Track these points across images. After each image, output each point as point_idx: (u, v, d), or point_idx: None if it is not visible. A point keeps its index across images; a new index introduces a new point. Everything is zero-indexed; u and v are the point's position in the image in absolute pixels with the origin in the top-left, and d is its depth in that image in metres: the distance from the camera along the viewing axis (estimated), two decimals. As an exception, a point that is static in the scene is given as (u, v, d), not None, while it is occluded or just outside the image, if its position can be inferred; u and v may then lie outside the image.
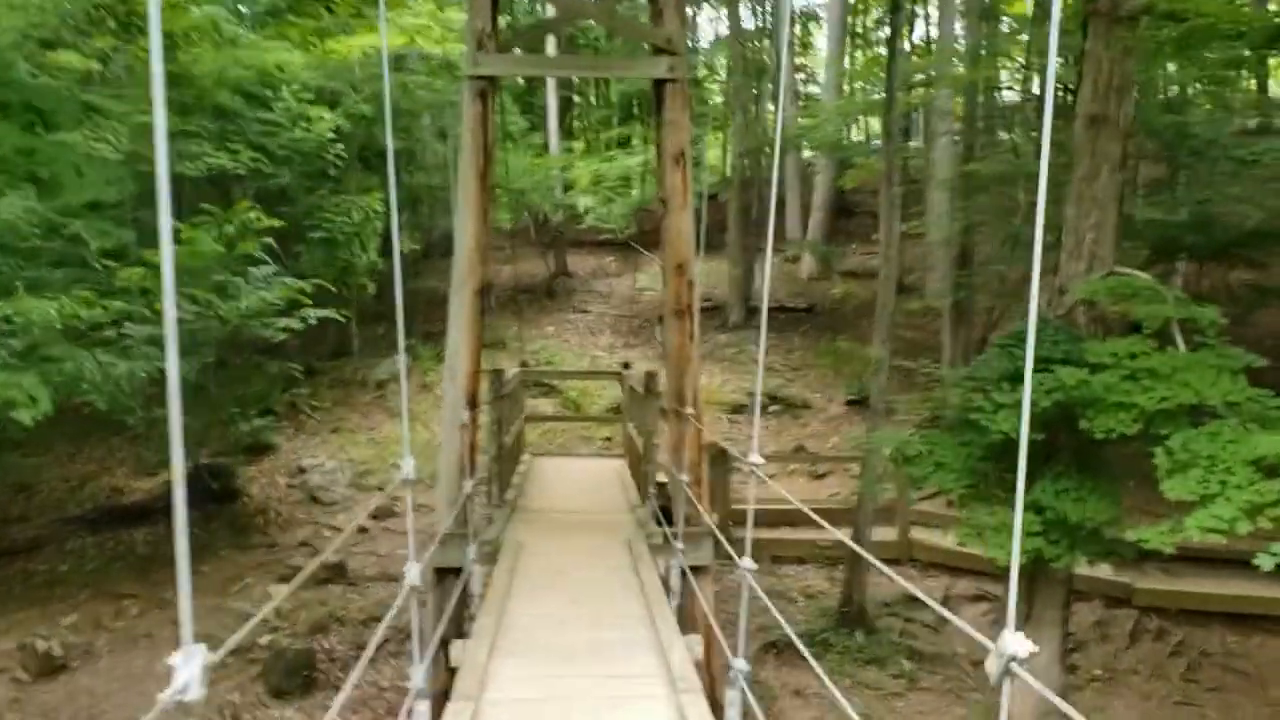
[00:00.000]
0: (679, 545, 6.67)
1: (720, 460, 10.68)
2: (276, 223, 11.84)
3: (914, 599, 11.19)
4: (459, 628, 6.40)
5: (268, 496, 12.88)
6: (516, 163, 19.56)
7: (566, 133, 25.47)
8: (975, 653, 9.59)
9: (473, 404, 8.12)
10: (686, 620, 7.04)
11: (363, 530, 11.95)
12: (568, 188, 23.71)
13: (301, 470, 13.33)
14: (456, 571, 6.83)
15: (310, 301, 11.52)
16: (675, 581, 6.75)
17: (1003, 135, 17.44)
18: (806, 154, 24.70)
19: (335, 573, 10.50)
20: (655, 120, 8.27)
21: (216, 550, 11.50)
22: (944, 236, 17.99)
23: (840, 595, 10.38)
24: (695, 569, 7.81)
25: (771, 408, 15.44)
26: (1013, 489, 7.00)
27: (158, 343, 11.46)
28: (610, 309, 21.02)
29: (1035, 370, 7.08)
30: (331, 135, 14.67)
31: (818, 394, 16.16)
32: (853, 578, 10.19)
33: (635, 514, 8.40)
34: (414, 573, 3.41)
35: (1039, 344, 7.36)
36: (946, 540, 11.63)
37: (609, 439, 14.43)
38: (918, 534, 11.60)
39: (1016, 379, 7.02)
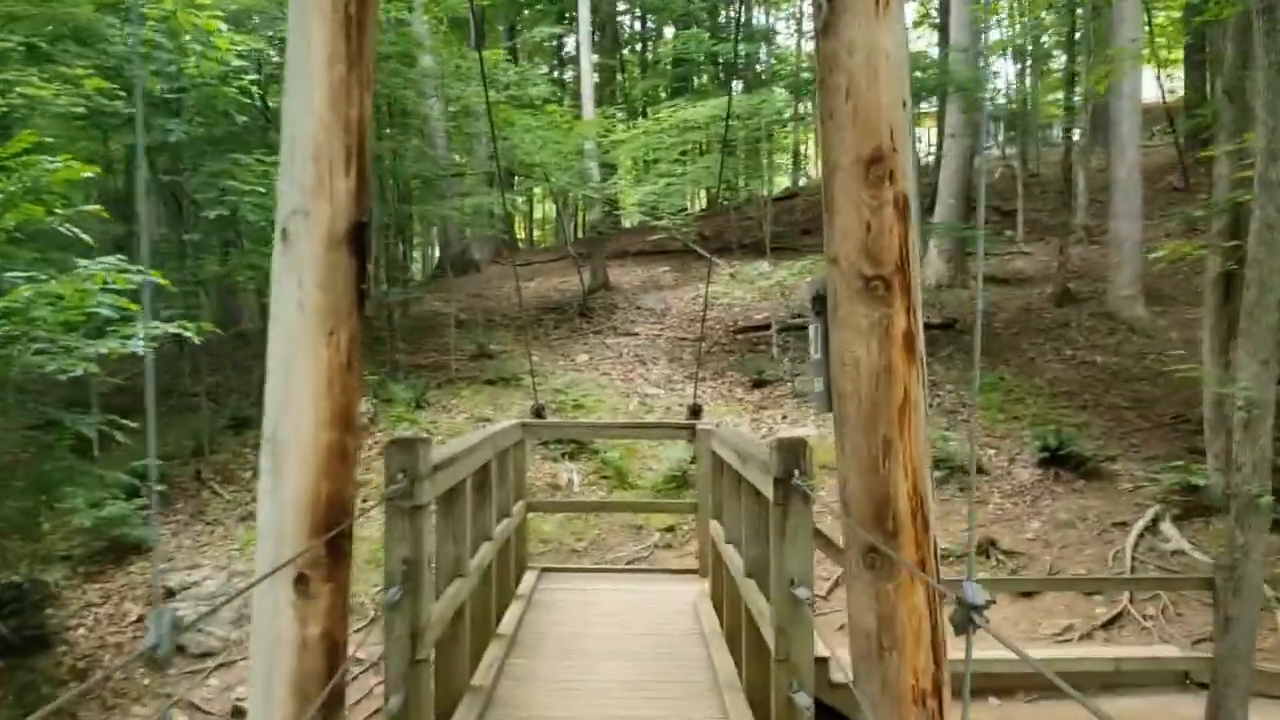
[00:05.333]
0: None
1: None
2: (89, 170, 7.05)
3: None
4: None
5: (101, 642, 7.99)
6: (531, 132, 14.76)
7: (606, 100, 20.70)
8: None
9: (334, 530, 3.25)
10: None
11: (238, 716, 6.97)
12: (607, 177, 18.87)
13: (169, 593, 8.42)
14: None
15: (135, 306, 6.65)
16: None
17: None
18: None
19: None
20: None
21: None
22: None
23: None
24: None
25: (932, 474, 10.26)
26: None
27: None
28: (665, 330, 16.02)
29: None
30: (240, 61, 9.90)
31: (992, 450, 10.94)
32: None
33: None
34: None
35: None
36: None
37: (671, 530, 9.37)
38: None
39: None
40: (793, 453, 3.46)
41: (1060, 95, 23.46)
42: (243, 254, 10.62)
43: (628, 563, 8.83)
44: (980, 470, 10.47)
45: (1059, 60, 22.05)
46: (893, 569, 3.09)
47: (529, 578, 6.98)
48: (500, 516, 6.25)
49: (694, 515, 7.49)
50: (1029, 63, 23.12)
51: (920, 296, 3.25)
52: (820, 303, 3.31)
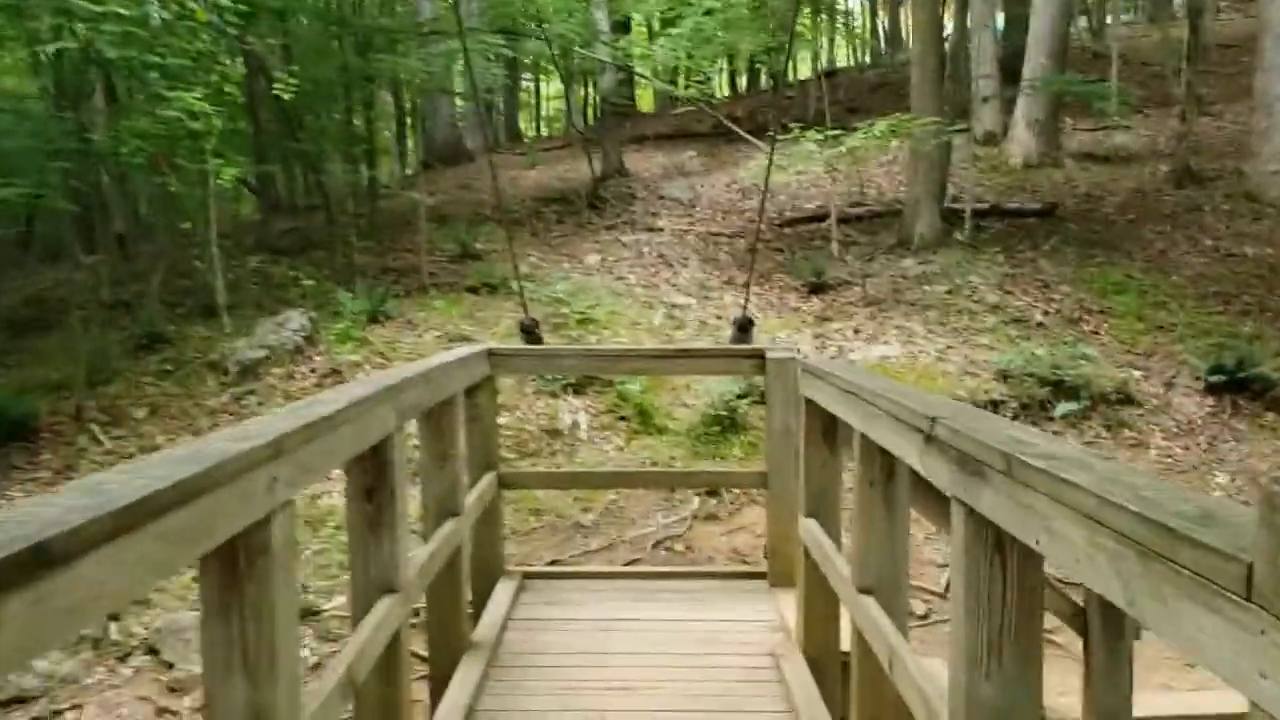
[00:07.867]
0: None
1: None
2: None
3: None
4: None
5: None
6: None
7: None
8: None
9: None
10: None
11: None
12: (620, 38, 15.88)
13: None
14: None
15: None
16: None
17: None
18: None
19: None
20: None
21: None
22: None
23: None
24: None
25: (1060, 407, 7.60)
26: None
27: None
28: (695, 224, 13.29)
29: None
30: None
31: (1138, 371, 8.27)
32: None
33: None
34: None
35: None
36: None
37: (715, 494, 6.78)
38: None
39: None
40: None
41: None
42: (124, 115, 7.91)
43: (655, 544, 6.31)
44: (1128, 400, 7.84)
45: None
46: None
47: (501, 596, 4.46)
48: (441, 517, 3.70)
49: (761, 490, 4.93)
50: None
51: None
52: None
